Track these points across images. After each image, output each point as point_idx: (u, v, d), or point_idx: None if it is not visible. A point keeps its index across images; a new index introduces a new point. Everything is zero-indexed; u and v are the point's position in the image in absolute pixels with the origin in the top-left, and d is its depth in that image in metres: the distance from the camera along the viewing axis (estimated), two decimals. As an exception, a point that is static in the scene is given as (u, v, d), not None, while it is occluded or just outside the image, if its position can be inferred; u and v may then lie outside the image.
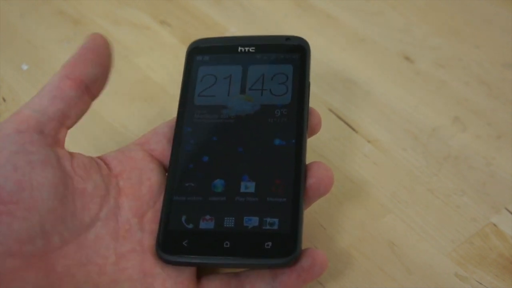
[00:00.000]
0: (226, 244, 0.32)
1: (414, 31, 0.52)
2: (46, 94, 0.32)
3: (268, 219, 0.32)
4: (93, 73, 0.33)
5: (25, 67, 0.49)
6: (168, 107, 0.46)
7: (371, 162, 0.43)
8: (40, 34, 0.52)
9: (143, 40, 0.51)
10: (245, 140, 0.35)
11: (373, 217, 0.40)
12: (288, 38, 0.38)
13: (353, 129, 0.45)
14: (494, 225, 0.39)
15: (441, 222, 0.39)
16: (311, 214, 0.39)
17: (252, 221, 0.32)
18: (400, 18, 0.53)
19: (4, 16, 0.53)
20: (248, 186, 0.33)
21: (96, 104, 0.46)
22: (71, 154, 0.32)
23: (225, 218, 0.32)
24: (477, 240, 0.38)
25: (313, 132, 0.36)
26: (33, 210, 0.29)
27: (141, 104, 0.47)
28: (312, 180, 0.33)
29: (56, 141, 0.31)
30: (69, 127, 0.33)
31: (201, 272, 0.33)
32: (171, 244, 0.32)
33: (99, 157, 0.34)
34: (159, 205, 0.33)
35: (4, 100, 0.46)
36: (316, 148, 0.43)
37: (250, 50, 0.38)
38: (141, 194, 0.33)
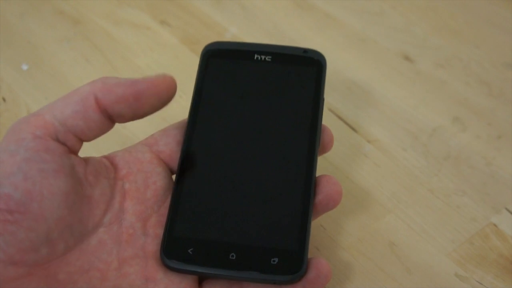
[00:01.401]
0: (232, 256, 0.31)
1: (414, 31, 0.52)
2: (70, 104, 0.30)
3: (276, 235, 0.32)
4: (120, 110, 0.31)
5: (25, 67, 0.49)
6: (168, 107, 0.46)
7: (371, 162, 0.43)
8: (40, 34, 0.52)
9: (143, 40, 0.51)
10: (256, 152, 0.34)
11: (373, 217, 0.40)
12: (305, 50, 0.37)
13: (353, 129, 0.45)
14: (494, 225, 0.39)
15: (441, 222, 0.39)
16: (311, 214, 0.39)
17: (259, 235, 0.32)
18: (401, 18, 0.53)
19: (4, 16, 0.53)
20: (257, 199, 0.33)
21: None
22: (85, 160, 0.32)
23: (232, 229, 0.32)
24: (477, 240, 0.38)
25: (324, 150, 0.36)
26: (41, 220, 0.28)
27: (141, 104, 0.47)
28: (321, 195, 0.33)
29: (71, 150, 0.31)
30: (85, 141, 0.32)
31: (203, 277, 0.33)
32: (176, 251, 0.31)
33: (105, 157, 0.34)
34: (163, 210, 0.33)
35: (4, 100, 0.46)
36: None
37: (267, 59, 0.37)
38: (145, 198, 0.33)
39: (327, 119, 0.45)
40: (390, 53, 0.50)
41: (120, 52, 0.50)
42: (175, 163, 0.34)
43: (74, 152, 0.31)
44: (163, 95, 0.32)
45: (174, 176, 0.35)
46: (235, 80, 0.37)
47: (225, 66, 0.37)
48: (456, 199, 0.40)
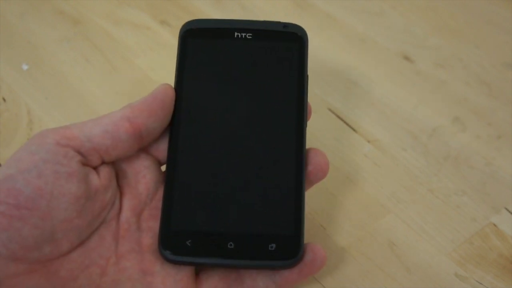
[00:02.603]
0: (230, 245, 0.31)
1: (414, 31, 0.52)
2: (100, 125, 0.32)
3: (272, 220, 0.32)
4: (152, 126, 0.33)
5: (25, 67, 0.49)
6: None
7: (371, 162, 0.43)
8: (40, 34, 0.52)
9: (143, 40, 0.51)
10: (245, 135, 0.34)
11: (373, 217, 0.40)
12: (285, 25, 0.37)
13: (353, 129, 0.45)
14: (494, 225, 0.39)
15: (441, 222, 0.39)
16: (311, 214, 0.39)
17: (256, 222, 0.32)
18: (400, 18, 0.53)
19: (4, 16, 0.53)
20: (251, 185, 0.33)
21: (96, 104, 0.46)
22: (98, 168, 0.32)
23: (229, 218, 0.32)
24: (477, 240, 0.38)
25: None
26: (47, 218, 0.29)
27: (141, 104, 0.47)
28: (311, 166, 0.34)
29: (89, 164, 0.32)
30: (105, 162, 0.33)
31: (200, 268, 0.33)
32: (174, 243, 0.31)
33: None
34: (155, 203, 0.33)
35: (4, 100, 0.46)
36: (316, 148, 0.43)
37: (247, 36, 0.36)
38: (137, 193, 0.33)
39: (327, 119, 0.45)
40: (390, 53, 0.50)
41: (120, 52, 0.50)
42: (161, 155, 0.34)
43: (91, 166, 0.32)
44: (173, 100, 0.34)
45: (163, 167, 0.35)
46: (217, 60, 0.36)
47: (206, 46, 0.36)
48: (456, 199, 0.40)
